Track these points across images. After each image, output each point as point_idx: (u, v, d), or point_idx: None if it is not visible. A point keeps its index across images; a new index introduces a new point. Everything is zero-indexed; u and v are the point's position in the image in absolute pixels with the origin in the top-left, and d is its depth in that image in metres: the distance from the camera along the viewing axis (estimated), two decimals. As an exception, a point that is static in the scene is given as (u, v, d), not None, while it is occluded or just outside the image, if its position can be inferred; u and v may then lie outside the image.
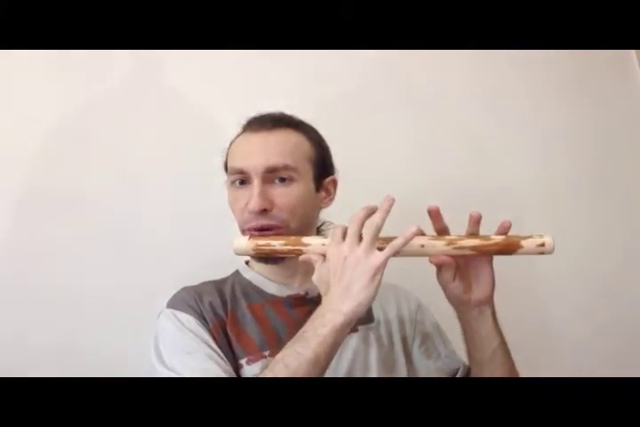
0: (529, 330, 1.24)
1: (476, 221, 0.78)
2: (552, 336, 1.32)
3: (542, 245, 0.76)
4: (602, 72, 1.46)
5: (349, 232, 0.74)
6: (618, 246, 1.39)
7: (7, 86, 1.12)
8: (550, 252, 0.76)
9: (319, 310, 0.73)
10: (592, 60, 1.42)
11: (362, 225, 0.75)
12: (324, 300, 0.73)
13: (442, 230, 0.79)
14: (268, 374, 0.69)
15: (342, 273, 0.72)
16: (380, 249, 0.73)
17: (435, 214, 0.79)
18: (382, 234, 0.75)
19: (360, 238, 0.74)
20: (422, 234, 0.77)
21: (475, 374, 0.87)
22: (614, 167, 1.43)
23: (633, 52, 1.48)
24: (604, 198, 1.41)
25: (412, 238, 0.74)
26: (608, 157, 1.43)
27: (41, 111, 1.12)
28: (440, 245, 0.77)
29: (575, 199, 1.39)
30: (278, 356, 0.71)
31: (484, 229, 0.79)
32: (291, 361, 0.69)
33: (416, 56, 1.27)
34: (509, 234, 0.78)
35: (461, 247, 0.77)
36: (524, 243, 0.76)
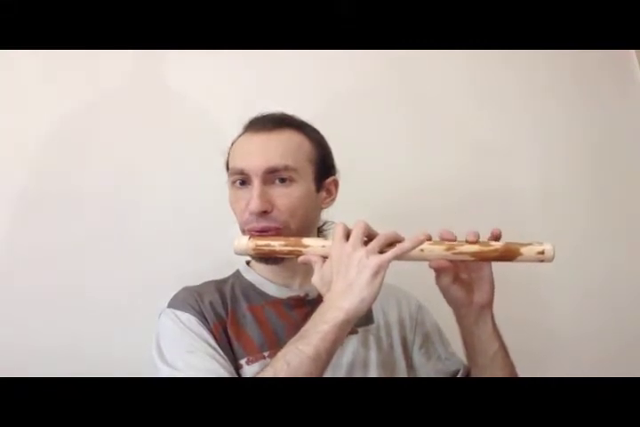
0: (529, 331, 1.24)
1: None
2: (552, 337, 1.32)
3: (542, 252, 0.75)
4: (602, 72, 1.46)
5: (354, 233, 0.75)
6: (618, 248, 1.39)
7: (7, 86, 1.12)
8: (550, 260, 0.75)
9: (321, 308, 0.73)
10: (592, 60, 1.42)
11: (366, 231, 0.75)
12: (326, 297, 0.74)
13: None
14: (270, 370, 0.69)
15: (345, 271, 0.72)
16: (382, 253, 0.73)
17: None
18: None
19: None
20: (429, 239, 0.77)
21: (475, 376, 0.87)
22: (614, 168, 1.42)
23: (633, 52, 1.48)
24: (603, 199, 1.40)
25: (420, 244, 0.74)
26: (608, 157, 1.42)
27: (41, 111, 1.12)
28: (439, 250, 0.76)
29: (574, 200, 1.39)
30: (280, 353, 0.71)
31: (482, 231, 0.79)
32: (292, 358, 0.69)
33: (416, 56, 1.26)
34: (509, 241, 0.77)
35: (461, 253, 0.76)
36: (523, 250, 0.75)
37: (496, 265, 0.81)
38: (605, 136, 1.43)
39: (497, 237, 0.78)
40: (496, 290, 0.82)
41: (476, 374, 0.86)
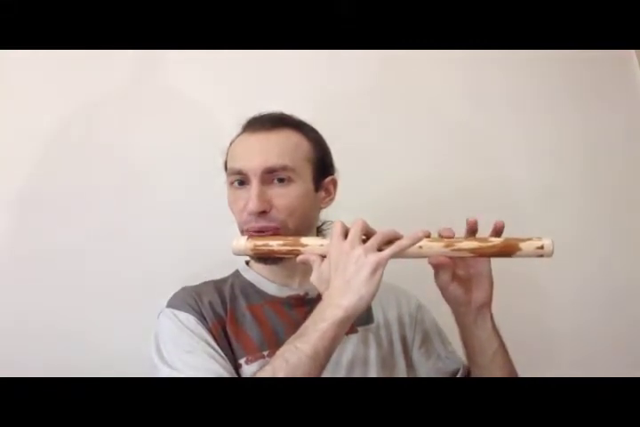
0: (527, 329, 1.24)
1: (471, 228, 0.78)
2: (550, 335, 1.32)
3: (541, 247, 0.75)
4: (602, 72, 1.46)
5: (352, 231, 0.75)
6: (620, 248, 1.38)
7: (7, 86, 1.12)
8: (549, 254, 0.75)
9: (320, 306, 0.73)
10: (592, 60, 1.42)
11: (364, 229, 0.75)
12: (324, 295, 0.74)
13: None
14: (269, 369, 0.70)
15: (344, 269, 0.72)
16: (380, 251, 0.73)
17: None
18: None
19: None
20: (428, 236, 0.77)
21: (475, 375, 0.87)
22: (614, 168, 1.42)
23: (633, 52, 1.48)
24: (602, 198, 1.40)
25: (418, 241, 0.74)
26: (608, 157, 1.42)
27: (41, 111, 1.12)
28: (438, 246, 0.76)
29: (573, 198, 1.39)
30: (279, 351, 0.71)
31: (482, 230, 0.79)
32: (290, 356, 0.69)
33: (416, 56, 1.26)
34: (508, 236, 0.77)
35: (460, 249, 0.76)
36: (522, 245, 0.75)
37: (494, 263, 0.81)
38: (605, 136, 1.43)
39: (499, 229, 0.78)
40: (496, 290, 0.82)
41: (475, 373, 0.86)
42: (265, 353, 0.82)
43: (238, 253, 0.83)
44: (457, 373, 0.92)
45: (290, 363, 0.68)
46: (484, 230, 0.79)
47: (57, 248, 1.10)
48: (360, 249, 0.73)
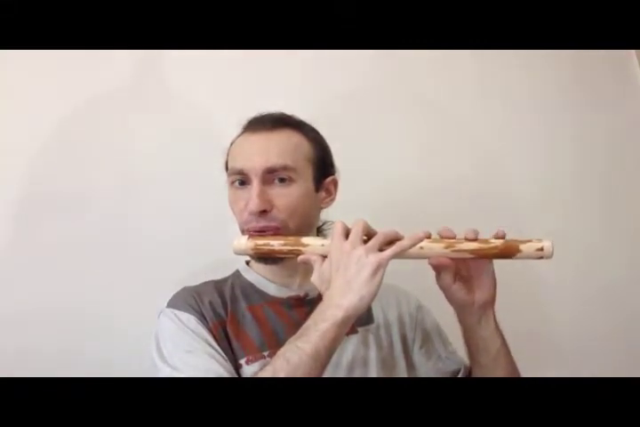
0: (529, 331, 1.24)
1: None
2: (553, 338, 1.32)
3: (541, 249, 0.75)
4: (602, 72, 1.46)
5: (353, 232, 0.75)
6: (619, 249, 1.38)
7: (7, 86, 1.12)
8: (549, 256, 0.76)
9: (320, 306, 0.73)
10: (592, 60, 1.42)
11: (365, 230, 0.75)
12: (325, 295, 0.74)
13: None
14: (270, 369, 0.70)
15: (345, 269, 0.72)
16: (381, 251, 0.73)
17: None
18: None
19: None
20: (429, 237, 0.77)
21: (477, 376, 0.87)
22: (615, 168, 1.42)
23: (633, 52, 1.48)
24: (603, 199, 1.40)
25: (419, 242, 0.74)
26: (609, 157, 1.42)
27: (41, 111, 1.12)
28: (439, 247, 0.76)
29: (575, 200, 1.39)
30: (280, 351, 0.71)
31: (484, 233, 0.79)
32: (291, 356, 0.69)
33: (416, 56, 1.27)
34: (508, 238, 0.77)
35: (460, 251, 0.76)
36: (522, 247, 0.75)
37: (497, 266, 0.81)
38: (606, 136, 1.43)
39: (501, 238, 0.78)
40: (497, 292, 0.82)
41: (478, 372, 0.86)
42: (265, 353, 0.82)
43: (239, 253, 0.83)
44: (457, 373, 0.92)
45: (291, 363, 0.68)
46: (484, 229, 0.79)
47: (56, 248, 1.10)
48: (361, 249, 0.72)
